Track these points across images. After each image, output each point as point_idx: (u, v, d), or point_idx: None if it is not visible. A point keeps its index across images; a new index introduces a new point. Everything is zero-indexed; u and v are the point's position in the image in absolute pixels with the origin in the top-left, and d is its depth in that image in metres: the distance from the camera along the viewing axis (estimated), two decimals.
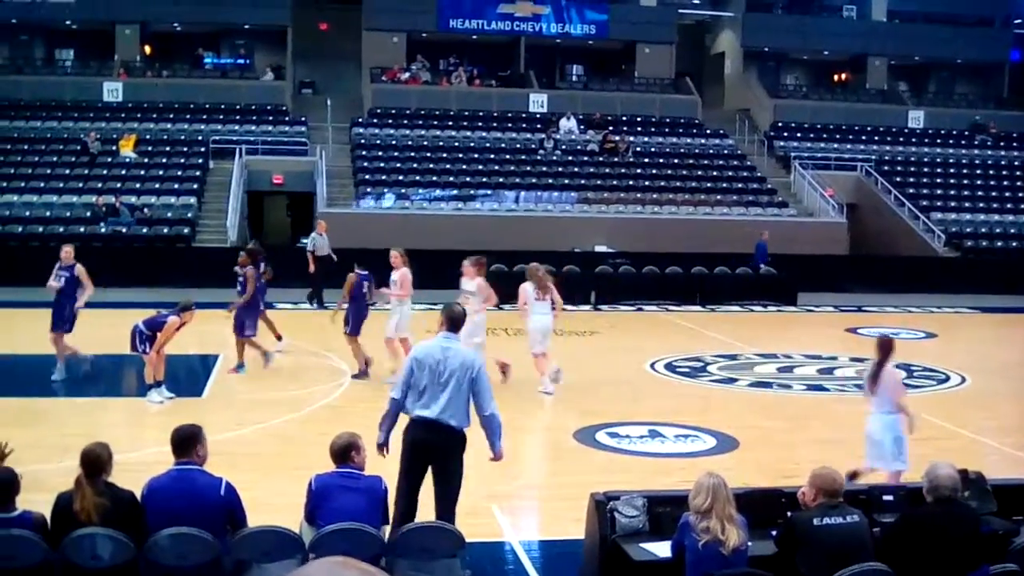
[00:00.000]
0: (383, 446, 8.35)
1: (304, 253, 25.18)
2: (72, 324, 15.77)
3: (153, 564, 6.72)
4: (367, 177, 33.68)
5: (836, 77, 45.62)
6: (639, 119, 39.12)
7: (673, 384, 17.10)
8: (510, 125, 37.98)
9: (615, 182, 34.76)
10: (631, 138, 37.25)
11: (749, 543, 6.58)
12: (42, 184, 31.67)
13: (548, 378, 15.86)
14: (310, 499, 7.29)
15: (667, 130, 38.86)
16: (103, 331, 18.23)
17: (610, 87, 41.72)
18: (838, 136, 39.84)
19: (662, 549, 7.00)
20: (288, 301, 23.67)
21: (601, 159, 36.09)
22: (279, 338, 18.50)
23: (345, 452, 7.32)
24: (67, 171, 32.57)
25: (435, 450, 8.22)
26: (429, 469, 8.26)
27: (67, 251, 15.94)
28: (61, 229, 29.26)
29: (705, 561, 6.40)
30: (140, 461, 10.24)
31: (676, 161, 36.79)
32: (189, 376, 16.36)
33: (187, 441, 7.11)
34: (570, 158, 36.07)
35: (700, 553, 6.43)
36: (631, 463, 12.03)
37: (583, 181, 34.65)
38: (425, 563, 7.10)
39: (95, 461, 6.91)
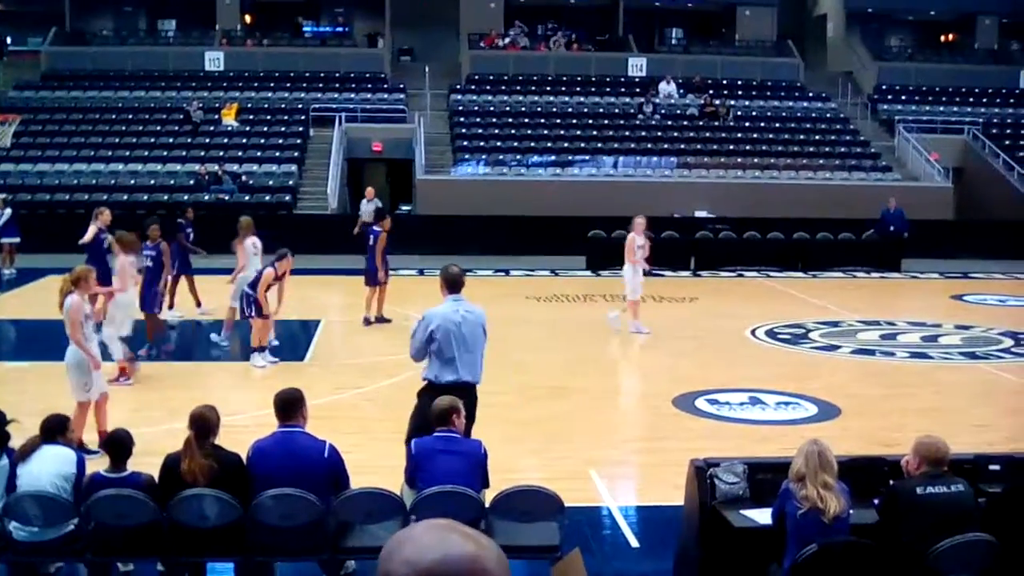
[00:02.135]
0: None
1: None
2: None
3: (258, 524, 6.87)
4: (465, 144, 33.76)
5: (942, 38, 44.51)
6: (740, 82, 38.60)
7: (774, 351, 16.92)
8: (608, 90, 37.71)
9: (715, 147, 34.37)
10: (732, 102, 36.76)
11: (851, 511, 6.50)
12: (146, 153, 32.26)
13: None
14: (411, 462, 7.37)
15: (768, 93, 38.30)
16: (209, 296, 18.61)
17: (710, 50, 41.19)
18: (944, 98, 38.88)
19: (762, 516, 6.95)
20: (402, 268, 23.00)
21: (701, 123, 35.72)
22: (199, 304, 18.71)
23: (445, 416, 7.36)
24: (170, 140, 33.13)
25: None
26: None
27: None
28: (165, 197, 29.85)
29: (806, 529, 6.34)
30: (244, 424, 10.45)
31: (777, 125, 36.26)
32: (291, 341, 16.59)
33: (291, 404, 7.23)
34: (670, 122, 35.74)
35: (800, 521, 6.37)
36: (731, 430, 11.95)
37: (683, 146, 34.29)
38: (524, 525, 7.14)
39: (204, 423, 7.07)
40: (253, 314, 14.70)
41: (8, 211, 24.43)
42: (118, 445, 7.26)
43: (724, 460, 7.58)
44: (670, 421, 12.52)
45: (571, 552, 6.17)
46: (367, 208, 24.99)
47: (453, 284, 8.77)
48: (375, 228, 18.27)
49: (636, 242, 17.72)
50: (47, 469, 7.02)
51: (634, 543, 8.63)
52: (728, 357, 16.32)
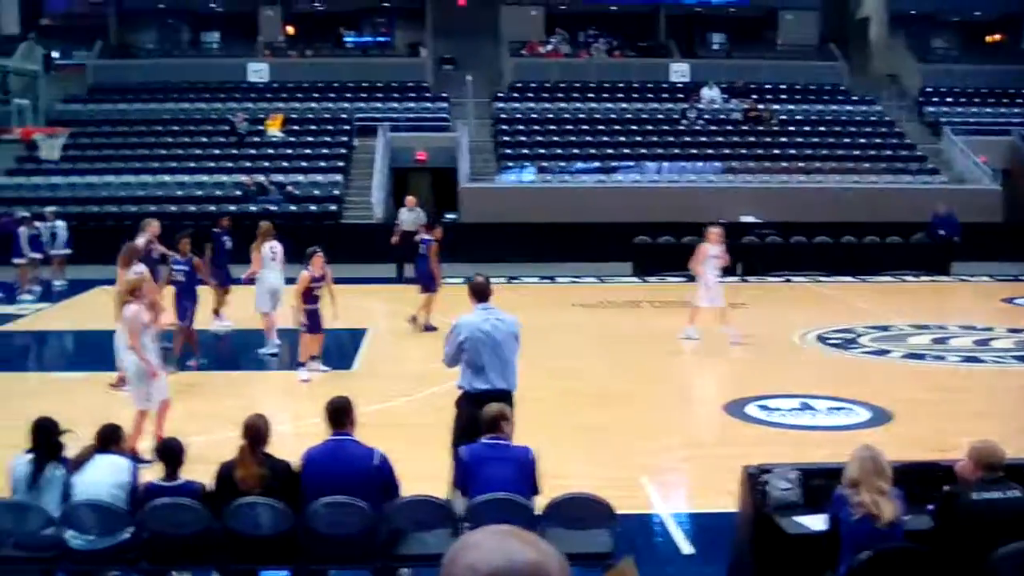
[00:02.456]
0: None
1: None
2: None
3: (311, 532, 6.89)
4: (508, 151, 33.77)
5: (988, 39, 44.05)
6: (783, 87, 38.32)
7: (824, 356, 16.80)
8: (651, 96, 37.56)
9: (760, 151, 34.18)
10: (776, 106, 36.58)
11: (906, 517, 6.44)
12: (192, 164, 32.52)
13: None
14: (460, 469, 7.37)
15: (812, 97, 38.00)
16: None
17: (753, 55, 40.91)
18: (991, 100, 38.44)
19: (816, 522, 6.89)
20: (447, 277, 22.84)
21: (745, 128, 35.55)
22: (216, 313, 18.39)
23: (494, 423, 7.36)
24: (216, 151, 33.38)
25: None
26: None
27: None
28: (213, 208, 29.99)
29: (860, 535, 6.28)
30: (293, 432, 10.49)
31: (823, 129, 36.01)
32: (339, 350, 16.64)
33: (341, 412, 7.27)
34: (714, 128, 35.56)
35: (854, 527, 6.31)
36: (782, 436, 11.88)
37: (727, 151, 34.14)
38: (576, 533, 7.12)
39: (256, 432, 7.12)
40: (305, 329, 14.70)
41: (60, 223, 24.66)
42: (170, 454, 7.33)
43: (777, 466, 7.52)
44: (721, 427, 12.47)
45: (624, 559, 6.14)
46: (408, 217, 24.84)
47: (480, 293, 8.94)
48: (427, 238, 18.39)
49: (709, 252, 17.52)
50: (102, 478, 7.08)
51: (687, 550, 8.59)
52: (778, 363, 16.24)
